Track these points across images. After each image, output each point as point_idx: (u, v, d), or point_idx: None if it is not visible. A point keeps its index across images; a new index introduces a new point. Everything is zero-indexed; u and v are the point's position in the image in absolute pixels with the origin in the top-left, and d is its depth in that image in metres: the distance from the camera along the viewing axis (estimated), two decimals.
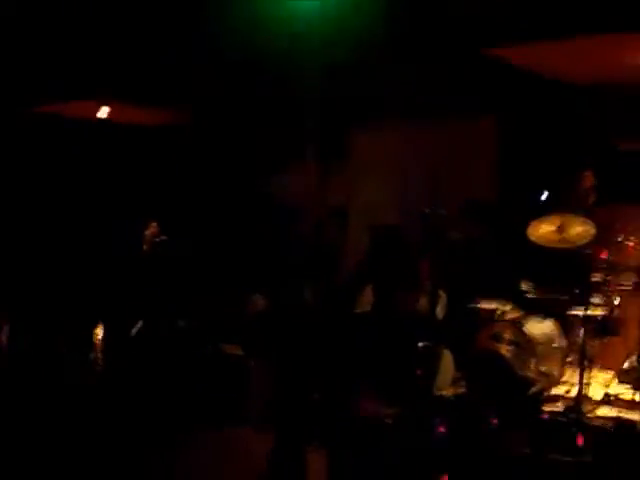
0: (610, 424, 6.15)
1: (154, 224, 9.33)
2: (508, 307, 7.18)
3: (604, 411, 6.46)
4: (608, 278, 6.81)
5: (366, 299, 6.78)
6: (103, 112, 9.71)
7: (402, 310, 7.38)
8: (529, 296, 7.24)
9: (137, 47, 7.97)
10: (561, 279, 6.95)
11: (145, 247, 9.16)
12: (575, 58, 7.27)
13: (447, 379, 6.92)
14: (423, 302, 7.28)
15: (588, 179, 7.43)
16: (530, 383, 6.59)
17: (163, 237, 9.30)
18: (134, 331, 8.66)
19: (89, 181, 9.92)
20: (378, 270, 4.82)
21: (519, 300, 7.22)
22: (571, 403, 6.39)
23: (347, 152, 4.68)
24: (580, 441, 5.79)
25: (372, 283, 4.72)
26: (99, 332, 8.19)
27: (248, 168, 10.00)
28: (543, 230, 6.81)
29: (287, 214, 7.80)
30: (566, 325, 7.00)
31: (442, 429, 6.08)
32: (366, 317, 6.63)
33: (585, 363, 6.37)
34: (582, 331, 6.46)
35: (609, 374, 7.19)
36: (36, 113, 9.77)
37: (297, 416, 4.82)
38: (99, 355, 8.16)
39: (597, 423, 6.17)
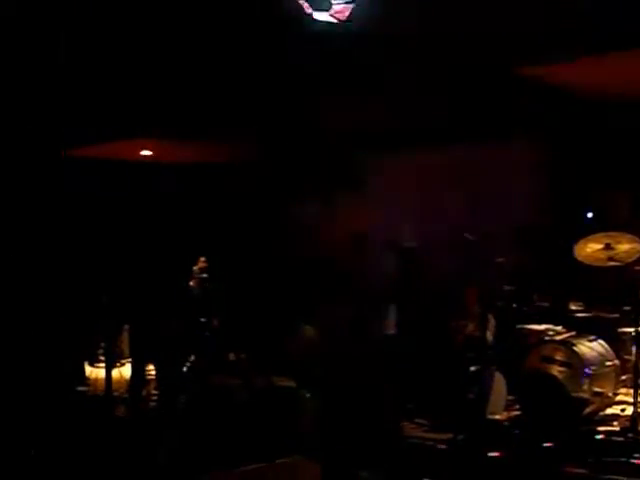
0: None
1: (202, 259, 9.43)
2: (558, 328, 7.13)
3: None
4: None
5: (390, 322, 6.79)
6: (146, 150, 9.84)
7: (452, 335, 7.38)
8: (579, 316, 7.19)
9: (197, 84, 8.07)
10: (610, 297, 6.89)
11: (192, 283, 9.25)
12: (612, 74, 7.23)
13: (500, 403, 6.86)
14: (472, 326, 7.27)
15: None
16: (584, 404, 6.52)
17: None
18: (186, 366, 8.74)
19: (139, 219, 10.05)
20: (406, 293, 4.85)
21: (569, 321, 7.17)
22: (627, 423, 6.31)
23: (380, 177, 4.72)
24: (638, 461, 5.72)
25: (401, 305, 4.76)
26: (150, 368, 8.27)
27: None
28: (590, 249, 6.79)
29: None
30: (617, 344, 6.92)
31: (496, 453, 6.04)
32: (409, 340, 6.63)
33: (639, 381, 6.29)
34: (634, 349, 6.39)
35: None
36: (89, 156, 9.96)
37: (347, 445, 4.82)
38: (152, 391, 8.24)
39: None
